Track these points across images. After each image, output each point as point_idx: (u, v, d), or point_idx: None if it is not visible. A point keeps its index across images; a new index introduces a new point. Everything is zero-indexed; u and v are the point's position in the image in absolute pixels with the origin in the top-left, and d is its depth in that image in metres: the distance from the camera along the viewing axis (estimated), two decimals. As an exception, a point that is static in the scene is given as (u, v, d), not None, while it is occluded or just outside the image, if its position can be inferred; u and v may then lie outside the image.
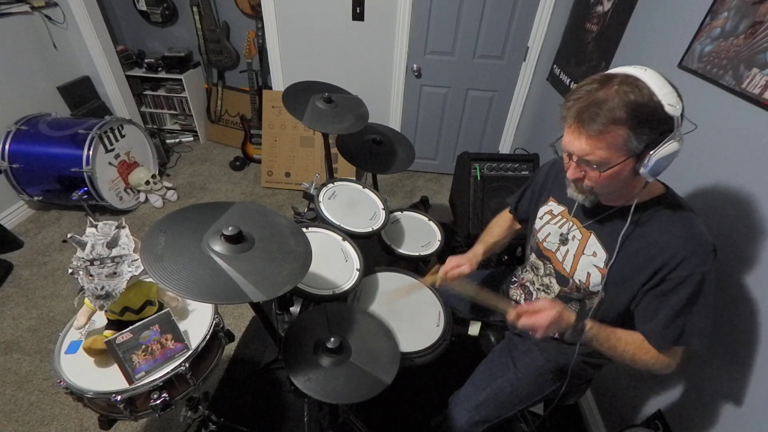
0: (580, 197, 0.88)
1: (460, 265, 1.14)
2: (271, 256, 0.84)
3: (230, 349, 1.83)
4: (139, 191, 2.74)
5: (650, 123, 0.71)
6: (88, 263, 0.90)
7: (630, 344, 0.89)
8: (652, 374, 0.96)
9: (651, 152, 0.73)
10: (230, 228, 0.80)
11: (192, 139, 3.63)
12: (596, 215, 0.94)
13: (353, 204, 1.48)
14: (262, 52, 3.03)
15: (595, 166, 0.77)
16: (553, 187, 1.09)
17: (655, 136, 0.72)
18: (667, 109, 0.70)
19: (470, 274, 1.14)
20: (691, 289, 0.80)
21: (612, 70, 0.77)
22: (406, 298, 1.26)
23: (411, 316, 1.20)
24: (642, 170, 0.75)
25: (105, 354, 0.94)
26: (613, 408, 1.51)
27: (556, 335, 1.06)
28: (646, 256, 0.84)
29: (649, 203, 0.86)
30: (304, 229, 1.29)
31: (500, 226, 1.30)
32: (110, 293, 0.91)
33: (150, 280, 1.05)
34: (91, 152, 2.25)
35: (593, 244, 0.94)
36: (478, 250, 1.21)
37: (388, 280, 1.32)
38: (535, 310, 0.86)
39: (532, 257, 1.14)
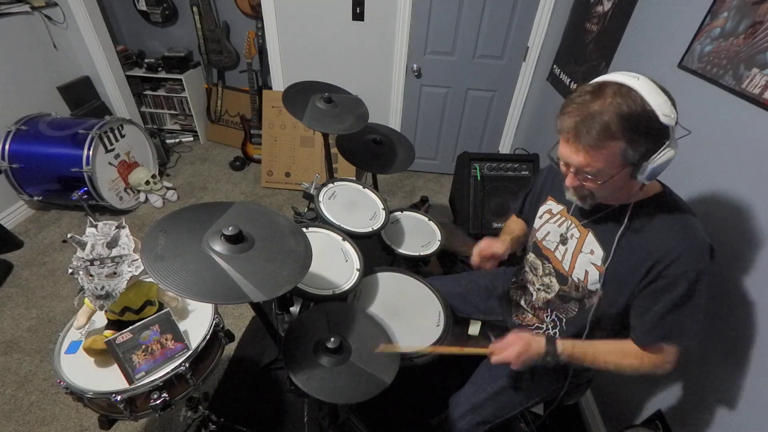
0: (581, 203, 0.89)
1: (492, 245, 1.15)
2: (271, 256, 0.84)
3: (230, 349, 1.83)
4: (139, 191, 2.74)
5: (645, 134, 0.72)
6: (88, 263, 0.90)
7: (610, 354, 0.92)
8: (650, 375, 0.96)
9: (647, 161, 0.74)
10: (230, 228, 0.80)
11: (192, 139, 3.63)
12: (594, 214, 0.94)
13: (353, 204, 1.48)
14: (262, 52, 3.03)
15: (591, 177, 0.79)
16: (552, 187, 1.09)
17: (650, 146, 0.73)
18: (662, 119, 0.70)
19: (503, 255, 1.16)
20: (684, 287, 0.80)
21: (603, 78, 0.76)
22: (406, 299, 1.26)
23: (411, 316, 1.20)
24: (639, 176, 0.77)
25: (105, 354, 0.94)
26: (613, 408, 1.51)
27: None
28: (641, 255, 0.85)
29: (646, 202, 0.87)
30: (304, 229, 1.29)
31: (516, 223, 1.31)
32: (110, 293, 0.91)
33: (150, 280, 1.05)
34: (91, 152, 2.25)
35: (591, 242, 0.94)
36: (504, 239, 1.21)
37: (388, 280, 1.32)
38: (503, 346, 0.92)
39: (531, 257, 1.14)
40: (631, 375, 0.92)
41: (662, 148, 0.72)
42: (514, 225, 1.31)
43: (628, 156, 0.74)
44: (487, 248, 1.16)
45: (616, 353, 0.91)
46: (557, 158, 0.85)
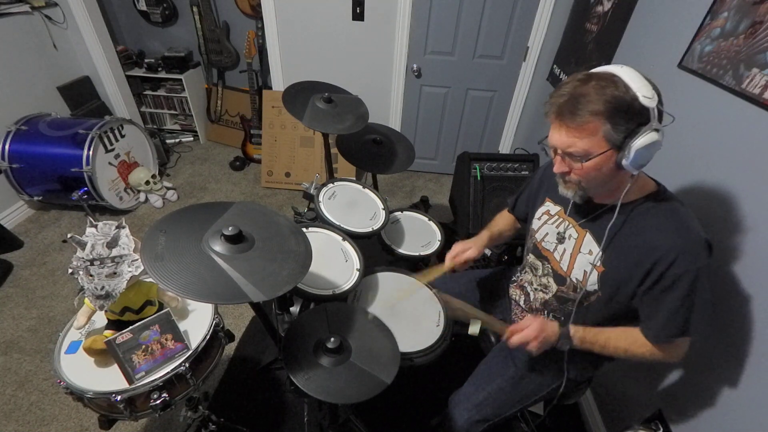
0: (570, 193, 0.90)
1: (466, 249, 1.18)
2: (271, 256, 0.84)
3: (230, 349, 1.83)
4: (139, 191, 2.74)
5: (626, 114, 0.74)
6: (88, 263, 0.90)
7: (621, 341, 0.93)
8: (658, 363, 0.98)
9: (630, 143, 0.75)
10: (230, 228, 0.80)
11: (192, 139, 3.63)
12: (590, 213, 0.95)
13: (353, 204, 1.48)
14: (262, 52, 3.03)
15: (577, 158, 0.80)
16: (549, 187, 1.10)
17: (632, 127, 0.75)
18: (642, 100, 0.73)
19: (476, 257, 1.18)
20: (687, 286, 0.81)
21: (592, 70, 0.80)
22: (406, 299, 1.26)
23: (411, 316, 1.19)
24: (624, 162, 0.78)
25: (105, 354, 0.94)
26: (613, 408, 1.51)
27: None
28: (640, 255, 0.85)
29: (641, 200, 0.88)
30: (304, 229, 1.29)
31: (504, 219, 1.34)
32: (110, 293, 0.91)
33: (150, 280, 1.05)
34: (91, 152, 2.25)
35: (589, 242, 0.95)
36: (483, 236, 1.25)
37: (388, 280, 1.32)
38: (522, 327, 0.94)
39: (531, 258, 1.14)
40: (640, 362, 0.93)
41: (644, 129, 0.74)
42: (501, 220, 1.34)
43: (610, 136, 0.76)
44: (460, 254, 1.18)
45: (627, 340, 0.93)
46: (549, 147, 0.87)
